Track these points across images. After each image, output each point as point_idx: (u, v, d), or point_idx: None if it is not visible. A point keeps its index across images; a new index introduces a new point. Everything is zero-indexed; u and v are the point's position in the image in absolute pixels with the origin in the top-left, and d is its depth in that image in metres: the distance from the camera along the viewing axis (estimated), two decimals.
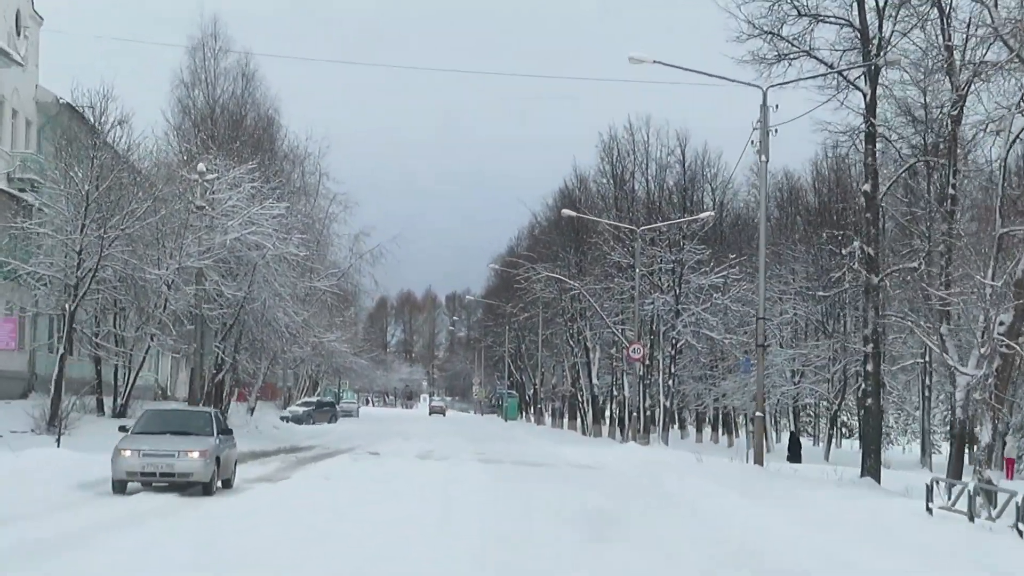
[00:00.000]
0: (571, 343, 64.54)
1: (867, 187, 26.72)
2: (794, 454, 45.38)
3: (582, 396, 64.85)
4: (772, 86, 27.34)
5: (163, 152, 40.45)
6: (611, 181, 57.13)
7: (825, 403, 55.29)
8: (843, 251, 28.32)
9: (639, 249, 46.84)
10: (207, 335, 37.83)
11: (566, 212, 50.60)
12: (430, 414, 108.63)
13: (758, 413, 30.09)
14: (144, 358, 35.67)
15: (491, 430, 68.26)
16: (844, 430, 68.55)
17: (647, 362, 49.54)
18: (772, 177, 58.49)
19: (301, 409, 69.23)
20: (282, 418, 65.88)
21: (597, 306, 53.84)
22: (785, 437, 73.62)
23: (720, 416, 69.25)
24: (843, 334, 47.94)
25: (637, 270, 46.41)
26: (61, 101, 36.51)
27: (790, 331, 54.28)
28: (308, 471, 25.02)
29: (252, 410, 53.13)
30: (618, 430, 64.49)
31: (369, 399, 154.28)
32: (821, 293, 33.19)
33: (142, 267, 32.54)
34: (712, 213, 49.74)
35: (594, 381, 63.42)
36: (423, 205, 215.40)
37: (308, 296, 48.90)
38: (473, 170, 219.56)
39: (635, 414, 51.31)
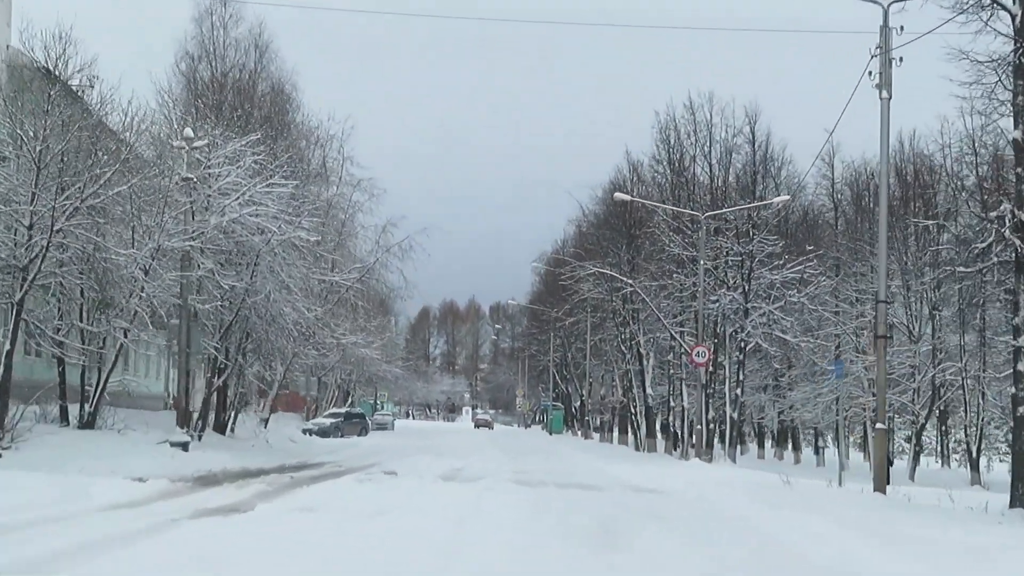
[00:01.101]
0: (622, 349, 58.48)
1: (1017, 134, 20.50)
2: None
3: (634, 407, 58.68)
4: (895, 1, 21.40)
5: (154, 123, 34.90)
6: (668, 167, 50.92)
7: (910, 416, 48.81)
8: (985, 217, 21.89)
9: (703, 239, 40.82)
10: (195, 331, 32.26)
11: (619, 196, 44.53)
12: (476, 427, 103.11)
13: (880, 425, 23.81)
14: (116, 358, 29.91)
15: (534, 444, 62.24)
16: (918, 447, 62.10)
17: (711, 368, 43.39)
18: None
19: (328, 421, 63.67)
20: (305, 431, 60.56)
21: (652, 306, 47.77)
22: (856, 456, 67.17)
23: (784, 430, 62.88)
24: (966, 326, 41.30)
25: (701, 263, 40.38)
26: (9, 48, 31.09)
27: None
28: (290, 499, 19.14)
29: (266, 421, 47.47)
30: (674, 445, 58.36)
31: (410, 412, 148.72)
32: (962, 269, 26.65)
33: (109, 247, 26.96)
34: (788, 197, 43.32)
35: (648, 391, 57.28)
36: (462, 210, 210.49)
37: (327, 292, 43.26)
38: (519, 175, 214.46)
39: (697, 427, 45.26)
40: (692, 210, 44.61)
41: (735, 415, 44.23)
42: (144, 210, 29.01)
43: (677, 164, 49.40)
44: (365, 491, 21.29)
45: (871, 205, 53.38)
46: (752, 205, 42.79)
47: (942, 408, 49.14)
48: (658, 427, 60.69)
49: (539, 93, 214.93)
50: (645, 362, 56.98)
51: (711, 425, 45.80)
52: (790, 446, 61.85)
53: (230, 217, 31.88)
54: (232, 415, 39.03)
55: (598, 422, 79.29)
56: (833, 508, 19.66)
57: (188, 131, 30.24)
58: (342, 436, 63.18)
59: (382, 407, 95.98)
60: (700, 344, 40.33)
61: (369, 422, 68.83)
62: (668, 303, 49.21)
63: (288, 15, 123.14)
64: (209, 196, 32.00)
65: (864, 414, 51.66)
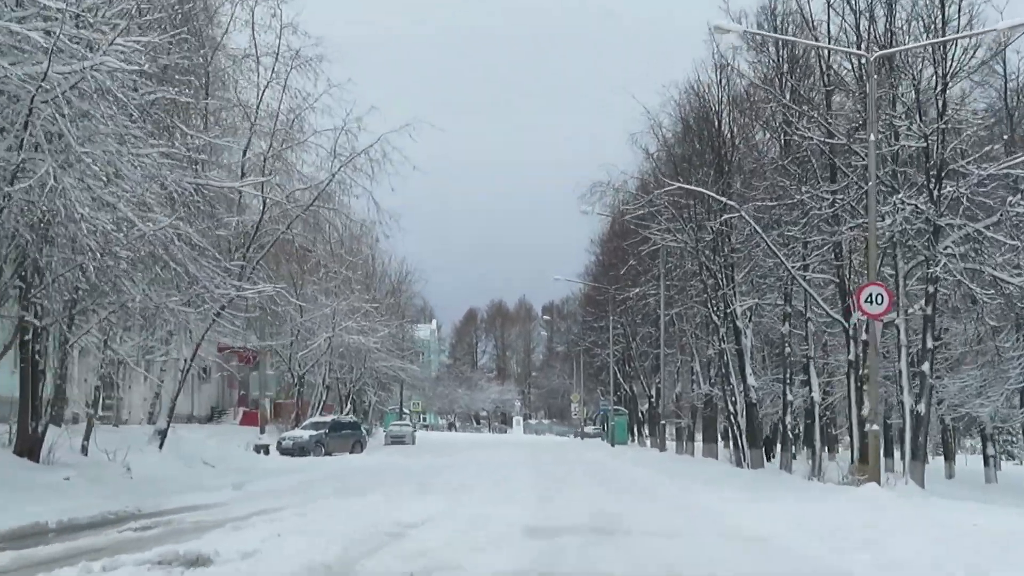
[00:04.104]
0: (713, 320, 40.61)
1: None
2: None
3: (732, 404, 40.66)
4: None
5: None
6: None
7: None
8: None
9: (872, 94, 22.97)
10: None
11: (720, 26, 26.13)
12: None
13: None
14: None
15: (589, 462, 44.53)
16: None
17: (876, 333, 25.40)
18: None
19: (307, 434, 46.69)
20: (280, 445, 44.06)
21: (766, 240, 30.09)
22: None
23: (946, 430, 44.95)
24: None
25: (873, 133, 22.56)
26: None
27: None
28: None
29: (162, 435, 30.23)
30: (797, 457, 40.58)
31: (453, 423, 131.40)
32: None
33: None
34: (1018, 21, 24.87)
35: (750, 380, 39.43)
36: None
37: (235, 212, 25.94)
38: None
39: (873, 428, 27.68)
40: (849, 49, 26.65)
41: (921, 407, 26.17)
42: None
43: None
44: None
45: None
46: (949, 38, 24.61)
47: None
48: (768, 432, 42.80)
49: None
50: (744, 339, 39.20)
51: (868, 424, 27.98)
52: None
53: None
54: (43, 424, 21.79)
55: (674, 429, 61.03)
56: None
57: None
58: (326, 453, 46.28)
59: (400, 416, 78.59)
60: (871, 282, 22.53)
61: (365, 434, 51.49)
62: (788, 241, 31.45)
63: None
64: None
65: None
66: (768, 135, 36.05)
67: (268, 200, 29.95)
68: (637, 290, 51.84)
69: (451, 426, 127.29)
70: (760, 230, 30.16)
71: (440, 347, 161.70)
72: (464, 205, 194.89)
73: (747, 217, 30.25)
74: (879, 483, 22.25)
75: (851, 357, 29.55)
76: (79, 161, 17.65)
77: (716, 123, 40.09)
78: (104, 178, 18.28)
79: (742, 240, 38.29)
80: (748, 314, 39.79)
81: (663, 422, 56.06)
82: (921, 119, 25.84)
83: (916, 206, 25.00)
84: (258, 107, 30.63)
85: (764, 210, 32.85)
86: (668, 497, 23.20)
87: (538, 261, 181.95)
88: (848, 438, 33.32)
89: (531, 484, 26.78)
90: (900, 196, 25.05)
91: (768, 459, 43.75)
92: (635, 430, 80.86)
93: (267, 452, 40.76)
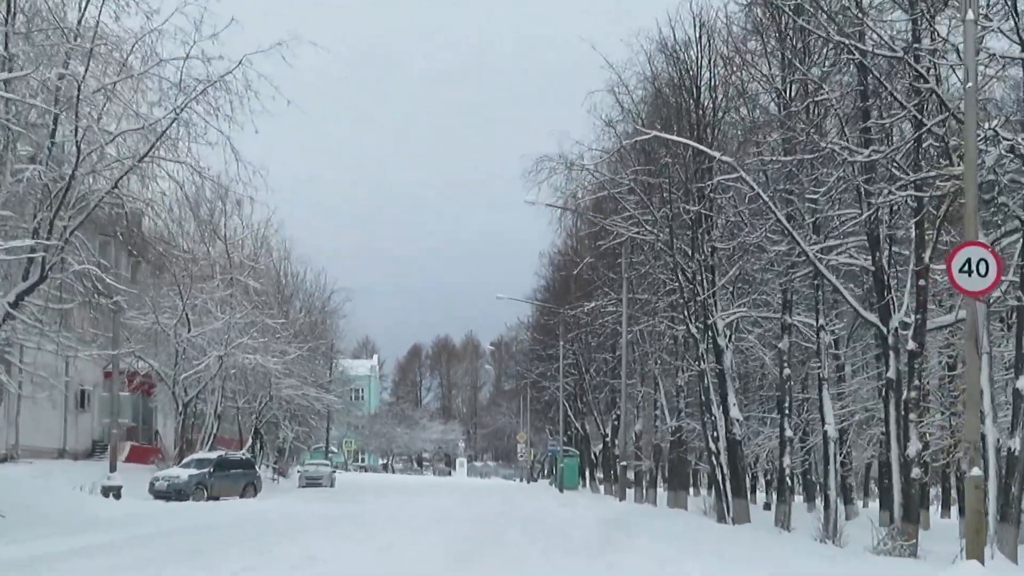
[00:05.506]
0: (694, 331, 32.04)
1: None
2: None
3: (715, 443, 32.02)
4: None
5: None
6: None
7: None
8: None
9: None
10: None
11: None
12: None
13: None
14: None
15: (533, 512, 35.89)
16: None
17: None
18: None
19: (187, 474, 37.85)
20: (152, 487, 35.68)
21: (775, 208, 21.92)
22: None
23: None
24: None
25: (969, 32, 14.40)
26: None
27: None
28: None
29: None
30: (788, 509, 32.08)
31: (388, 464, 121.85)
32: None
33: None
34: None
35: (733, 414, 31.11)
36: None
37: None
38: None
39: (893, 475, 19.50)
40: None
41: (1016, 442, 17.77)
42: None
43: None
44: None
45: None
46: None
47: None
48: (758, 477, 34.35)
49: None
50: (724, 358, 30.94)
51: (919, 465, 19.77)
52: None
53: None
54: None
55: (634, 473, 52.22)
56: None
57: None
58: (210, 497, 37.57)
59: (326, 455, 69.23)
60: (969, 241, 14.33)
61: (259, 474, 42.43)
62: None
63: None
64: None
65: None
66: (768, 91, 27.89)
67: (83, 144, 21.25)
68: (592, 305, 43.42)
69: (386, 467, 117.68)
70: (764, 195, 21.85)
71: (382, 384, 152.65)
72: (411, 229, 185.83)
73: (747, 177, 21.93)
74: (982, 562, 13.81)
75: (890, 374, 21.32)
76: None
77: (695, 92, 31.95)
78: None
79: (728, 233, 30.23)
80: (728, 332, 31.64)
81: (623, 464, 47.33)
82: None
83: (1016, 143, 16.73)
84: (80, 21, 22.01)
85: (764, 183, 24.66)
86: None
87: (487, 296, 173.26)
88: (874, 486, 24.92)
89: (443, 546, 18.21)
90: (993, 125, 16.77)
91: None
92: (587, 473, 72.21)
93: (118, 496, 31.79)
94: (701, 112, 31.50)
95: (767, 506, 44.60)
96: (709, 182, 26.22)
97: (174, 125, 22.10)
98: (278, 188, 53.93)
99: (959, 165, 16.98)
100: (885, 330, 21.37)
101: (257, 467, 43.88)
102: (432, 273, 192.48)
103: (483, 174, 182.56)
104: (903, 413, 20.52)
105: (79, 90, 21.21)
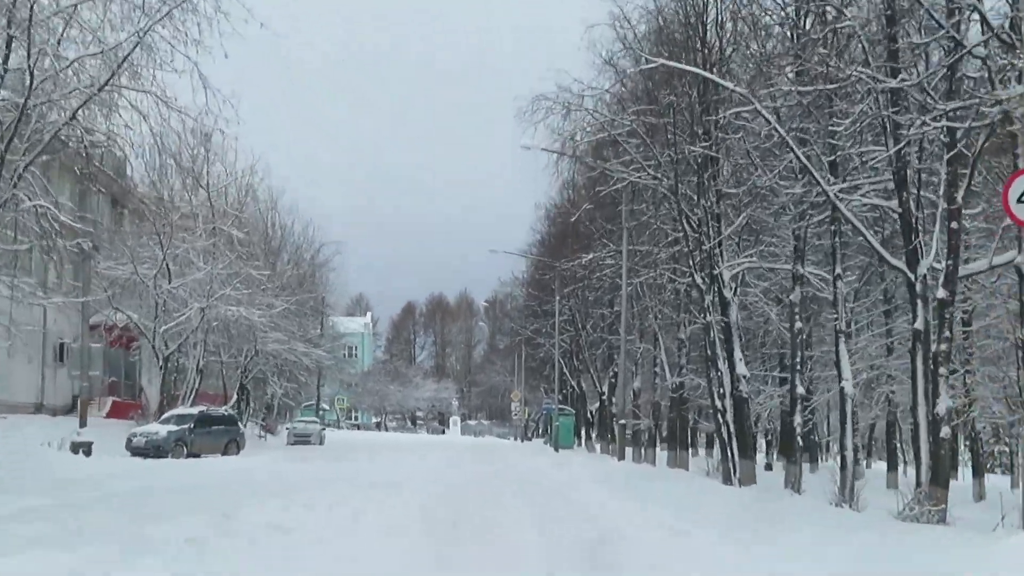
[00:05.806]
0: (699, 281, 30.17)
1: None
2: None
3: (721, 401, 30.25)
4: None
5: None
6: None
7: None
8: None
9: None
10: None
11: None
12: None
13: None
14: None
15: (528, 472, 34.26)
16: None
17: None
18: None
19: (166, 430, 36.24)
20: (130, 443, 34.14)
21: (791, 142, 20.12)
22: None
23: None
24: None
25: None
26: None
27: None
28: None
29: None
30: (799, 469, 30.30)
31: (382, 422, 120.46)
32: None
33: None
34: None
35: (740, 370, 29.36)
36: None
37: None
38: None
39: (920, 434, 17.90)
40: None
41: None
42: None
43: None
44: None
45: None
46: None
47: None
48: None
49: None
50: (731, 311, 29.16)
51: (943, 427, 18.11)
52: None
53: None
54: None
55: (632, 431, 50.57)
56: None
57: None
58: (191, 454, 36.09)
59: (317, 412, 67.62)
60: None
61: (242, 432, 40.74)
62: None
63: None
64: None
65: None
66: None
67: (37, 71, 19.32)
68: (590, 257, 41.60)
69: (379, 425, 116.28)
70: (782, 130, 19.99)
71: (376, 342, 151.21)
72: (405, 185, 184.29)
73: (762, 110, 20.01)
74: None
75: (918, 325, 19.50)
76: None
77: (701, 30, 29.99)
78: None
79: (735, 179, 28.38)
80: (734, 285, 29.84)
81: (621, 423, 45.68)
82: None
83: None
84: None
85: (777, 122, 22.78)
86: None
87: (482, 250, 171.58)
88: (900, 447, 23.19)
89: (422, 531, 16.27)
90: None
91: None
92: (583, 432, 70.73)
93: (88, 453, 30.16)
94: (707, 51, 29.61)
95: (768, 467, 43.14)
96: (719, 115, 24.31)
97: (137, 50, 20.13)
98: (276, 170, 52.37)
99: (1006, 89, 15.11)
100: (913, 277, 19.53)
101: (241, 424, 42.22)
102: (428, 235, 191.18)
103: (481, 155, 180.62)
104: (932, 367, 18.76)
105: (31, 10, 19.25)
